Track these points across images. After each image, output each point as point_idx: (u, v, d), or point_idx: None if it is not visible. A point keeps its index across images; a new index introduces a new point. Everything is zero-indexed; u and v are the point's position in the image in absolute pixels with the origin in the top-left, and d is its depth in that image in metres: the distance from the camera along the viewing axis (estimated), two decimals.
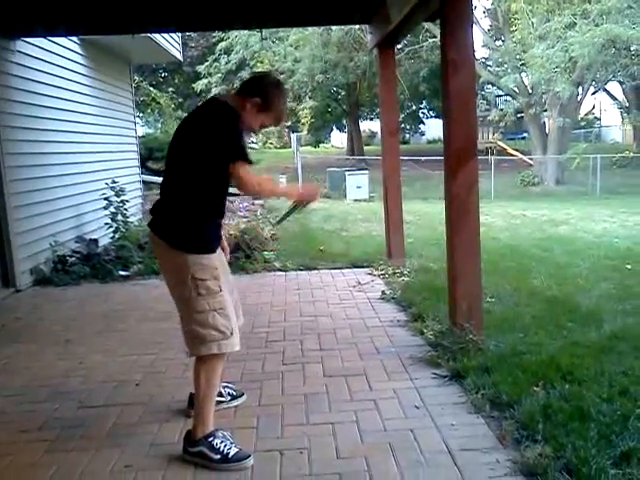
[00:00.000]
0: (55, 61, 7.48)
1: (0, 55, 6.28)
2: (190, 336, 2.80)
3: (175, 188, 2.82)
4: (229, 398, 3.30)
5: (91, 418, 3.29)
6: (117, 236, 7.76)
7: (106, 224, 7.79)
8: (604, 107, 34.52)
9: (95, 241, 7.57)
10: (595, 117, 36.12)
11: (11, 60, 6.49)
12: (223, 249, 3.13)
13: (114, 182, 7.92)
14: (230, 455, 2.73)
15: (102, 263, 6.92)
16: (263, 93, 2.84)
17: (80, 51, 8.33)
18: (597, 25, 17.08)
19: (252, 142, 39.38)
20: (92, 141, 8.56)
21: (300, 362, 4.00)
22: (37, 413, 3.38)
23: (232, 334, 2.81)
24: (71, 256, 7.07)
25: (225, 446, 2.76)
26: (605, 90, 25.87)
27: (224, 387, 3.33)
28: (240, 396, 3.38)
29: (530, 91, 21.20)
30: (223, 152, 2.69)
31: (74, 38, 7.99)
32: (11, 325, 5.22)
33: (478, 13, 26.20)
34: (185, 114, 3.43)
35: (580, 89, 21.12)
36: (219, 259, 2.92)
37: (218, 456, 2.73)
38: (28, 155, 6.70)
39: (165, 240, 2.77)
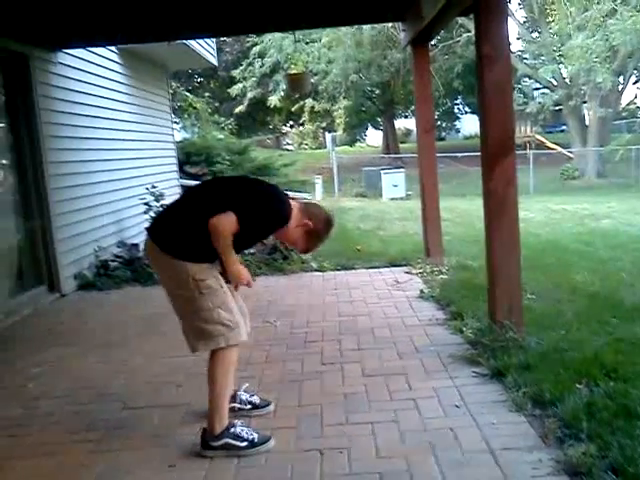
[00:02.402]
0: (95, 71, 7.65)
1: (42, 67, 6.45)
2: (195, 333, 2.91)
3: (197, 217, 2.86)
4: (248, 407, 3.29)
5: (134, 419, 3.36)
6: None
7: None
8: None
9: (136, 246, 7.70)
10: (637, 107, 35.13)
11: (53, 71, 6.67)
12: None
13: (154, 187, 8.05)
14: (256, 440, 2.87)
15: (143, 267, 7.03)
16: (317, 223, 3.06)
17: (118, 60, 8.50)
18: (639, 11, 16.63)
19: (287, 143, 39.59)
20: (132, 147, 8.72)
21: (339, 362, 4.00)
22: (82, 414, 3.47)
23: (237, 326, 2.91)
24: (113, 261, 7.22)
25: (247, 433, 2.90)
26: None
27: (251, 395, 3.35)
28: (265, 406, 3.33)
29: (569, 82, 20.76)
30: (245, 206, 2.81)
31: (112, 48, 8.16)
32: (56, 329, 5.36)
33: (513, 5, 25.83)
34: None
35: (621, 78, 20.60)
36: (217, 265, 2.99)
37: (245, 443, 2.86)
38: (70, 163, 6.87)
39: (166, 252, 2.86)
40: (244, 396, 3.31)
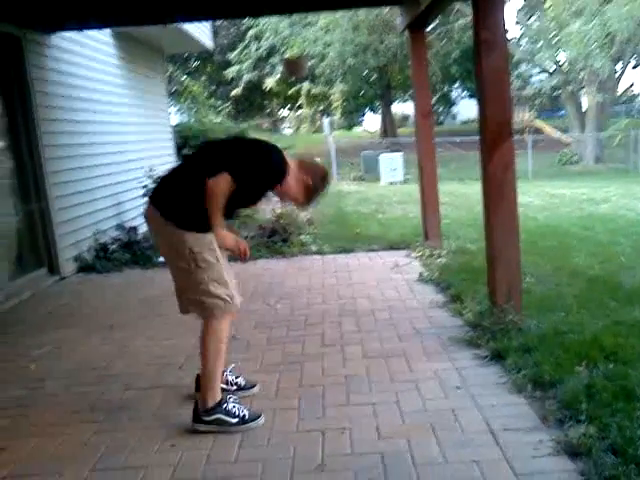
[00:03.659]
0: (90, 54, 7.60)
1: (36, 50, 6.40)
2: (191, 303, 2.98)
3: (193, 179, 2.87)
4: (234, 388, 3.31)
5: (137, 400, 3.38)
6: None
7: None
8: None
9: (134, 229, 7.71)
10: (635, 93, 35.02)
11: (47, 55, 6.62)
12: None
13: (151, 170, 8.03)
14: (247, 416, 2.92)
15: (142, 250, 7.06)
16: (315, 179, 3.07)
17: (114, 43, 8.43)
18: None
19: (286, 127, 39.37)
20: (129, 131, 8.69)
21: (339, 344, 4.02)
22: (86, 395, 3.49)
23: (232, 299, 2.95)
24: (112, 243, 7.24)
25: (239, 409, 2.94)
26: None
27: (236, 377, 3.37)
28: (250, 387, 3.36)
29: (567, 68, 20.68)
30: (240, 165, 2.81)
31: (107, 31, 8.09)
32: (57, 311, 5.37)
33: None
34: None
35: (620, 64, 20.52)
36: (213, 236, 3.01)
37: (235, 419, 2.91)
38: (67, 147, 6.84)
39: (164, 217, 2.88)
40: (230, 377, 3.34)
